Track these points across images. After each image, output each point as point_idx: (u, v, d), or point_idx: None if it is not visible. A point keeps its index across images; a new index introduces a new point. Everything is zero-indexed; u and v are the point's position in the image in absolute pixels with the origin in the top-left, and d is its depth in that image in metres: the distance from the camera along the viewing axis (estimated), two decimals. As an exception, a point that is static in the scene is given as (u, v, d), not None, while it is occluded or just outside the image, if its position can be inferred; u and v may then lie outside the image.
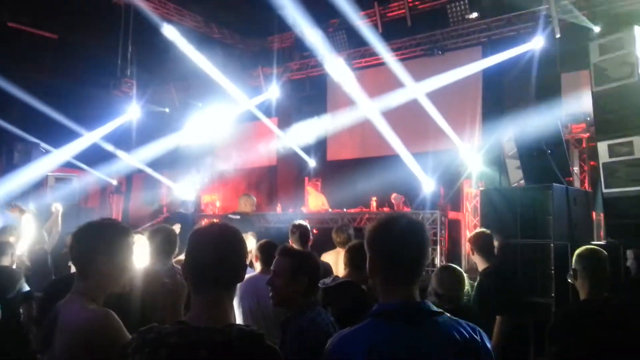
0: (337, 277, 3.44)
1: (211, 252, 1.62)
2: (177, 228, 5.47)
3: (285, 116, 14.24)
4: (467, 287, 3.61)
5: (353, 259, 3.39)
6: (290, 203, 13.20)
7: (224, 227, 1.72)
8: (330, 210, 11.02)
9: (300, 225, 4.86)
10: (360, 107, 11.83)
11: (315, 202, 11.49)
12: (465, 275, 3.58)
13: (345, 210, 10.57)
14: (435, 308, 1.66)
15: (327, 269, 4.42)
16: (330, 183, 13.26)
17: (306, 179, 13.52)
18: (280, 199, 14.15)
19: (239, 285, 1.70)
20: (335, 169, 13.62)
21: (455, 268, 3.57)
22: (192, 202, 11.91)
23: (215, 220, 10.05)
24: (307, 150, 13.81)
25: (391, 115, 11.59)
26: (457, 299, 3.39)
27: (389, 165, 11.06)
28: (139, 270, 3.21)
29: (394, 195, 10.44)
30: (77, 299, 1.87)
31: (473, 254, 4.29)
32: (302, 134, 13.69)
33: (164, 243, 3.63)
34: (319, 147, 13.99)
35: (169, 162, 14.36)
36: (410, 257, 1.66)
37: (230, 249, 1.65)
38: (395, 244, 1.65)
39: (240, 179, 14.02)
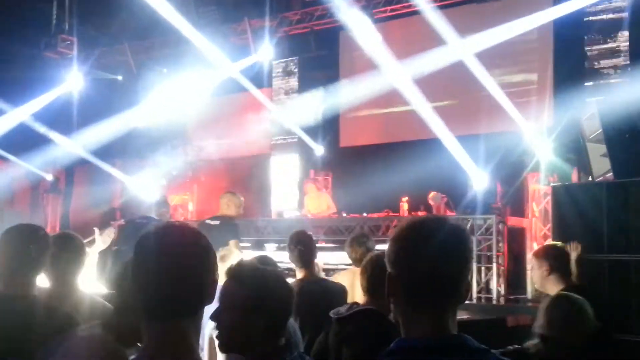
0: (355, 304, 3.47)
1: (162, 268, 1.66)
2: (108, 235, 5.56)
3: (282, 86, 14.20)
4: (590, 326, 3.21)
5: (374, 280, 3.38)
6: (288, 205, 13.33)
7: (180, 230, 1.76)
8: (345, 215, 11.07)
9: (301, 238, 4.88)
10: (385, 73, 11.81)
11: (315, 204, 11.62)
12: (590, 310, 3.21)
13: (364, 215, 10.63)
14: (476, 344, 1.64)
15: (339, 294, 4.50)
16: (343, 178, 13.18)
17: (311, 173, 13.57)
18: (276, 199, 14.23)
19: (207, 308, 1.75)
20: (350, 158, 13.56)
21: (575, 299, 3.26)
22: (157, 203, 11.95)
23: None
24: (312, 132, 13.80)
25: (428, 84, 11.58)
26: (571, 346, 3.11)
27: (425, 153, 11.12)
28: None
29: (432, 194, 10.46)
30: None
31: (548, 274, 4.21)
32: (305, 111, 13.71)
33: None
34: (329, 129, 13.99)
35: (124, 150, 14.38)
36: (446, 277, 1.67)
37: (191, 262, 1.69)
38: (425, 258, 1.66)
39: (221, 172, 14.04)
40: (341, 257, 8.68)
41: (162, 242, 1.71)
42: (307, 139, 13.73)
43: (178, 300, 1.65)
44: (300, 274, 4.73)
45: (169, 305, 1.65)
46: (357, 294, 4.27)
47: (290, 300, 2.29)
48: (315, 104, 13.75)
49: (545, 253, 4.33)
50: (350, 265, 5.20)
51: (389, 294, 1.71)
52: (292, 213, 12.43)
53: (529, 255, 9.47)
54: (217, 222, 6.69)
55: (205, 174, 14.17)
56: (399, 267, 1.69)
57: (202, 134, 14.49)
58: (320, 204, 11.54)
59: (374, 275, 3.40)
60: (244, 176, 14.21)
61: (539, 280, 4.22)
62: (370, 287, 3.44)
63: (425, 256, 1.65)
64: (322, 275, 5.37)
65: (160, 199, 12.37)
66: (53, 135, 13.03)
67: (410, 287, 1.67)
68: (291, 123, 13.66)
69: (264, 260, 4.21)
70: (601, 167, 7.02)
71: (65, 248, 3.49)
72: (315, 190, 11.83)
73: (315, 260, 5.01)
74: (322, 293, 4.48)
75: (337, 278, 5.15)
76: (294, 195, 13.88)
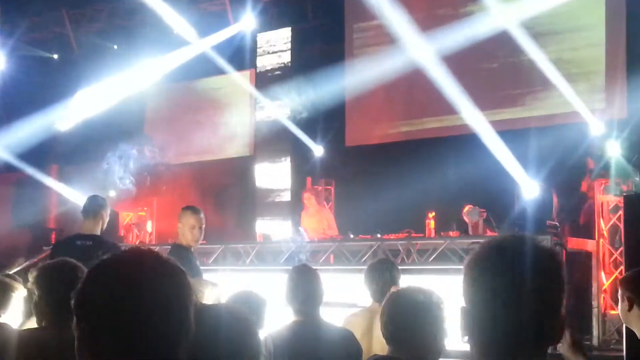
0: (376, 357, 3.48)
1: (133, 309, 1.71)
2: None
3: (270, 67, 14.23)
4: None
5: (397, 323, 3.35)
6: (279, 225, 13.33)
7: (140, 257, 1.79)
8: (353, 236, 10.99)
9: (302, 276, 4.83)
10: (404, 48, 11.79)
11: (312, 223, 11.64)
12: None
13: (378, 235, 10.60)
14: None
15: (344, 342, 4.55)
16: (350, 187, 13.13)
17: (308, 181, 13.49)
18: (262, 217, 14.13)
19: None
20: (359, 161, 13.57)
21: None
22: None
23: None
24: (309, 128, 13.81)
25: (460, 64, 11.59)
26: None
27: (458, 154, 11.14)
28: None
29: (467, 208, 10.42)
30: None
31: (629, 308, 4.18)
32: (300, 99, 13.71)
33: None
34: (331, 123, 13.94)
35: (61, 152, 14.39)
36: (540, 312, 1.77)
37: (170, 300, 1.75)
38: (510, 288, 1.74)
39: (189, 181, 14.04)
40: (344, 292, 8.67)
41: (131, 275, 1.74)
42: (302, 136, 13.71)
43: (149, 347, 1.71)
44: (296, 316, 4.73)
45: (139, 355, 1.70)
46: (376, 343, 4.33)
47: None
48: (312, 90, 13.64)
49: (625, 282, 4.34)
50: (351, 305, 5.15)
51: (464, 334, 1.82)
52: (282, 235, 12.32)
53: (596, 288, 9.45)
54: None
55: (168, 184, 14.13)
56: (475, 298, 1.80)
57: (164, 130, 14.54)
58: (319, 222, 11.58)
59: (398, 313, 3.39)
60: (220, 186, 14.22)
61: (622, 314, 4.23)
62: (394, 332, 3.41)
63: (511, 286, 1.75)
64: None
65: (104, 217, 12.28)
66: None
67: (488, 326, 1.78)
68: (281, 115, 13.67)
69: (246, 299, 4.34)
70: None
71: None
72: (315, 205, 11.86)
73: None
74: (315, 340, 4.53)
75: (350, 322, 5.19)
76: (284, 210, 13.86)
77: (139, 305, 1.72)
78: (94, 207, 6.48)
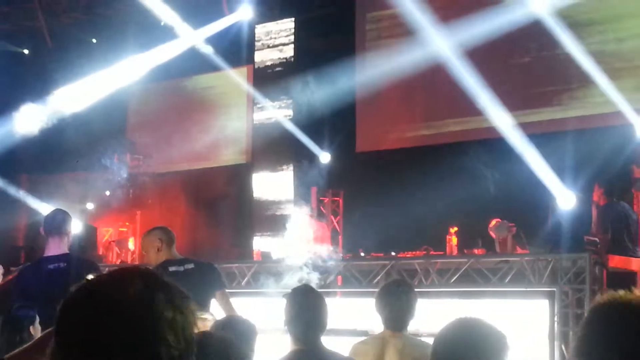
0: None
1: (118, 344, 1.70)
2: None
3: (270, 62, 14.27)
4: None
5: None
6: (280, 242, 13.06)
7: (142, 280, 1.77)
8: (364, 254, 11.07)
9: (304, 299, 4.84)
10: (423, 41, 11.85)
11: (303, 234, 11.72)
12: None
13: (393, 254, 10.69)
14: None
15: None
16: (361, 198, 13.15)
17: (313, 192, 13.56)
18: (260, 232, 14.11)
19: None
20: (371, 169, 13.62)
21: None
22: (79, 238, 11.92)
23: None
24: (314, 131, 13.87)
25: (486, 57, 11.66)
26: None
27: (484, 160, 11.16)
28: None
29: (494, 222, 10.48)
30: None
31: None
32: (304, 99, 13.76)
33: None
34: (340, 126, 14.00)
35: (33, 160, 14.47)
36: None
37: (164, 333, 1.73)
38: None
39: (176, 191, 14.06)
40: (353, 318, 8.72)
41: (114, 304, 1.71)
42: (306, 141, 13.76)
43: None
44: (295, 345, 4.72)
45: None
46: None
47: None
48: (319, 89, 13.68)
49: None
50: (361, 333, 5.11)
51: None
52: (283, 252, 12.16)
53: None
54: (190, 266, 6.61)
55: (153, 195, 14.18)
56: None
57: (149, 135, 14.58)
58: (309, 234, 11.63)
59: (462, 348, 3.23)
60: (212, 198, 14.23)
61: None
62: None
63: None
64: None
65: (84, 233, 12.21)
66: None
67: None
68: (282, 117, 13.70)
69: (233, 326, 4.37)
70: None
71: None
72: (311, 224, 11.98)
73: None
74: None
75: (358, 348, 5.23)
76: (285, 225, 13.68)
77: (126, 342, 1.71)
78: (57, 223, 6.43)
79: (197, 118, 14.38)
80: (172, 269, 6.45)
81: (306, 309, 4.76)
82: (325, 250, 11.26)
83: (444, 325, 3.11)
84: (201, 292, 5.86)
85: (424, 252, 10.51)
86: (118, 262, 12.64)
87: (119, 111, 14.78)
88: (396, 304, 5.09)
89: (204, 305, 5.60)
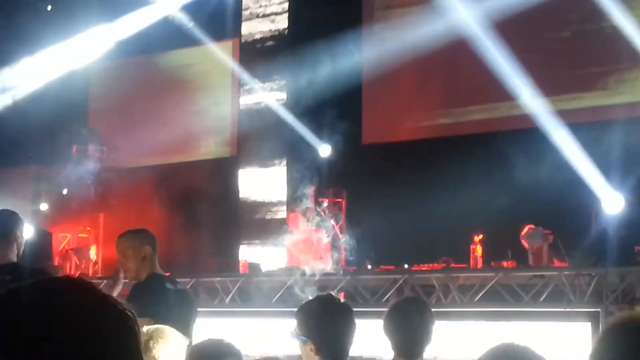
0: None
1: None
2: None
3: (260, 35, 14.25)
4: None
5: None
6: (271, 251, 13.16)
7: (91, 295, 1.72)
8: (371, 267, 11.12)
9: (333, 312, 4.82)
10: (442, 9, 11.85)
11: (297, 245, 11.89)
12: None
13: (406, 266, 10.75)
14: None
15: None
16: (367, 200, 13.28)
17: (310, 191, 13.45)
18: (248, 241, 14.43)
19: None
20: (380, 164, 13.76)
21: None
22: (31, 245, 11.84)
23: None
24: (313, 119, 13.87)
25: (517, 31, 11.74)
26: None
27: (514, 153, 11.05)
28: None
29: (527, 229, 10.49)
30: None
31: None
32: (299, 81, 13.76)
33: None
34: (343, 113, 13.76)
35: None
36: None
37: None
38: None
39: (147, 189, 14.12)
40: (359, 342, 8.78)
41: (60, 321, 1.64)
42: (303, 130, 13.81)
43: None
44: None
45: None
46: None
47: None
48: (318, 68, 13.62)
49: None
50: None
51: None
52: (275, 264, 12.53)
53: None
54: (180, 287, 6.89)
55: (120, 195, 14.21)
56: None
57: (114, 122, 14.64)
58: (307, 245, 11.75)
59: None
60: (190, 198, 14.29)
61: None
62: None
63: None
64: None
65: (37, 239, 12.27)
66: None
67: None
68: (274, 101, 13.76)
69: (212, 351, 4.34)
70: None
71: None
72: (304, 230, 12.07)
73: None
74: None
75: None
76: (278, 231, 13.72)
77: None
78: (3, 226, 6.12)
79: (172, 102, 14.41)
80: (168, 285, 6.67)
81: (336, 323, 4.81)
82: (324, 261, 11.72)
83: (480, 352, 2.96)
84: (187, 316, 6.16)
85: (443, 265, 10.63)
86: (77, 273, 12.54)
87: (78, 93, 14.86)
88: (409, 326, 5.18)
89: (187, 332, 5.53)
